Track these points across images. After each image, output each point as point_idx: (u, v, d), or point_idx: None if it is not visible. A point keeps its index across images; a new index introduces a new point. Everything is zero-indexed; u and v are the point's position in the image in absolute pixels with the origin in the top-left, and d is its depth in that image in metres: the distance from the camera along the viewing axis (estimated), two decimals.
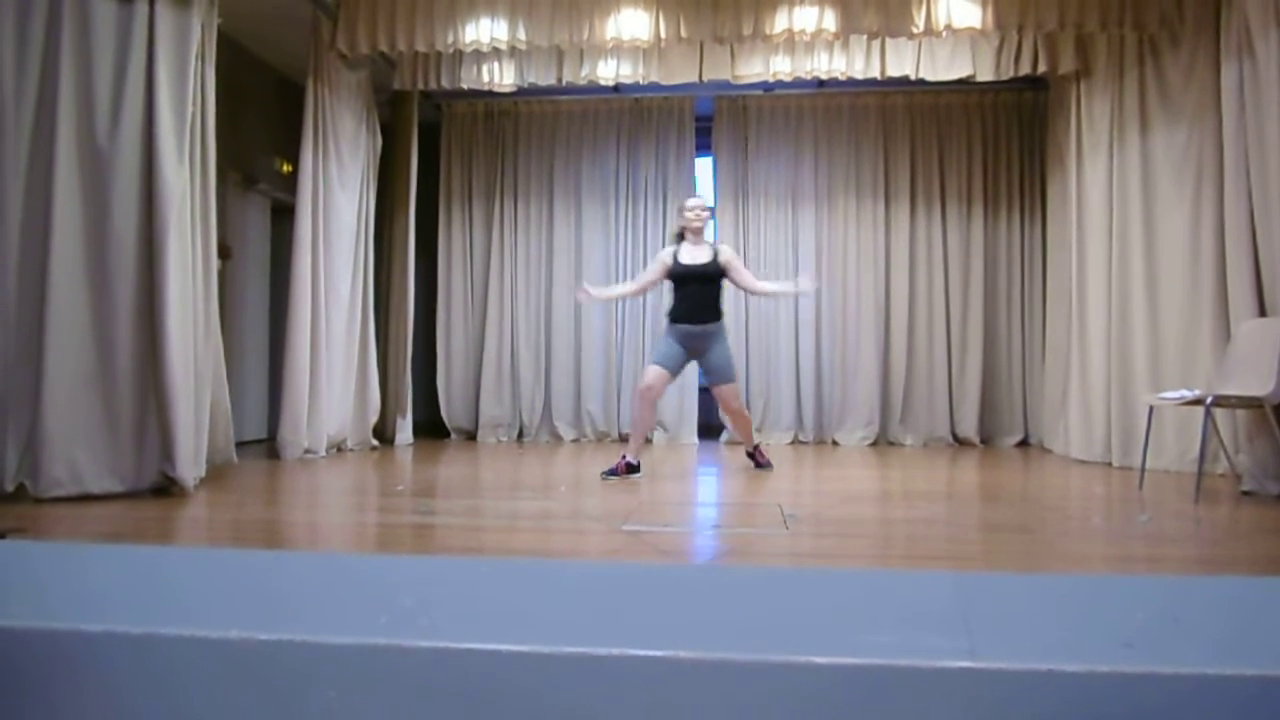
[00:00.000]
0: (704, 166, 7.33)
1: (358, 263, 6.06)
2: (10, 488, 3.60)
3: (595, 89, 6.68)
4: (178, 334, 3.82)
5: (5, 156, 3.65)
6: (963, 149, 6.95)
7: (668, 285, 4.90)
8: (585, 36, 5.24)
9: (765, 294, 5.34)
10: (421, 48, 5.37)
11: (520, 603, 1.97)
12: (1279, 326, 3.87)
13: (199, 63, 4.07)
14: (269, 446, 5.78)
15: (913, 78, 5.83)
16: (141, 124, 3.80)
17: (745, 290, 5.02)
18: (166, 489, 3.81)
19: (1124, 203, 5.27)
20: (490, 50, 5.48)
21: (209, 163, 4.20)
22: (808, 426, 6.89)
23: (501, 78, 6.12)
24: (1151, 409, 4.40)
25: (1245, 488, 4.05)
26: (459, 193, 7.38)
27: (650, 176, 7.22)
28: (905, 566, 2.68)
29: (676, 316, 4.77)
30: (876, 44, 5.71)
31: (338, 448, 5.87)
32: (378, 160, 6.37)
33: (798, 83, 6.16)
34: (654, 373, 4.68)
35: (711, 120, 7.20)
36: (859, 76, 5.85)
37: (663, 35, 5.20)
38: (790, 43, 5.61)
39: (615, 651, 1.56)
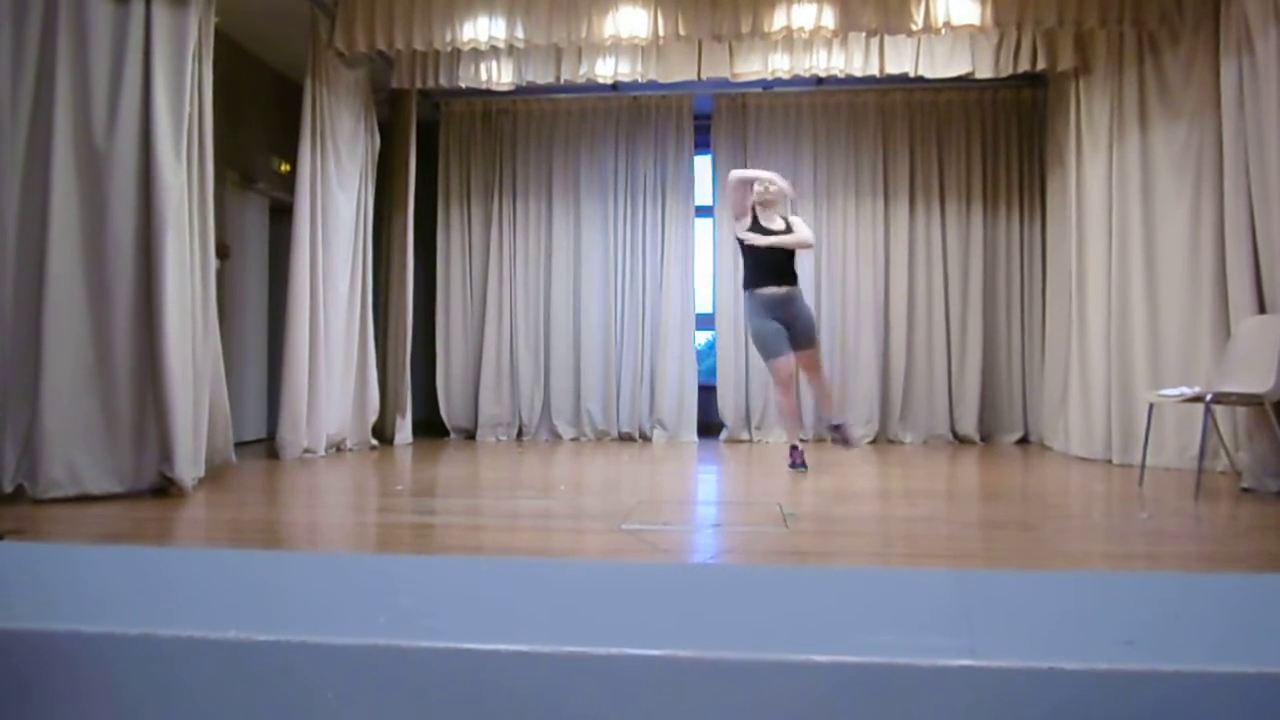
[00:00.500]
0: (703, 165, 7.32)
1: (356, 262, 6.05)
2: (9, 489, 3.59)
3: (594, 87, 6.67)
4: (176, 334, 3.82)
5: (2, 157, 3.64)
6: (962, 146, 6.94)
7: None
8: (583, 35, 5.24)
9: (803, 242, 5.02)
10: (420, 46, 5.36)
11: (519, 602, 1.97)
12: (1279, 324, 3.87)
13: (196, 62, 4.06)
14: (268, 446, 5.77)
15: (912, 75, 5.82)
16: (139, 124, 3.79)
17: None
18: (165, 489, 3.81)
19: (1124, 200, 5.26)
20: (488, 49, 5.47)
21: (207, 162, 4.19)
22: (807, 424, 6.87)
23: (500, 76, 6.11)
24: (1151, 406, 4.40)
25: (1245, 485, 4.05)
26: (457, 191, 7.37)
27: (649, 175, 7.21)
28: (905, 564, 2.67)
29: (761, 281, 4.78)
30: (875, 41, 5.70)
31: (337, 447, 5.86)
32: (376, 159, 6.36)
33: (796, 80, 6.16)
34: (782, 363, 4.72)
35: (710, 118, 7.19)
36: (858, 74, 5.84)
37: (661, 33, 5.19)
38: (789, 40, 5.60)
39: (615, 651, 1.56)
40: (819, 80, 6.44)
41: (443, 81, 6.19)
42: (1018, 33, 5.55)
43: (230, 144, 5.60)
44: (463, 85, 6.21)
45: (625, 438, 7.04)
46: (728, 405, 7.03)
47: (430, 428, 7.24)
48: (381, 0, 5.32)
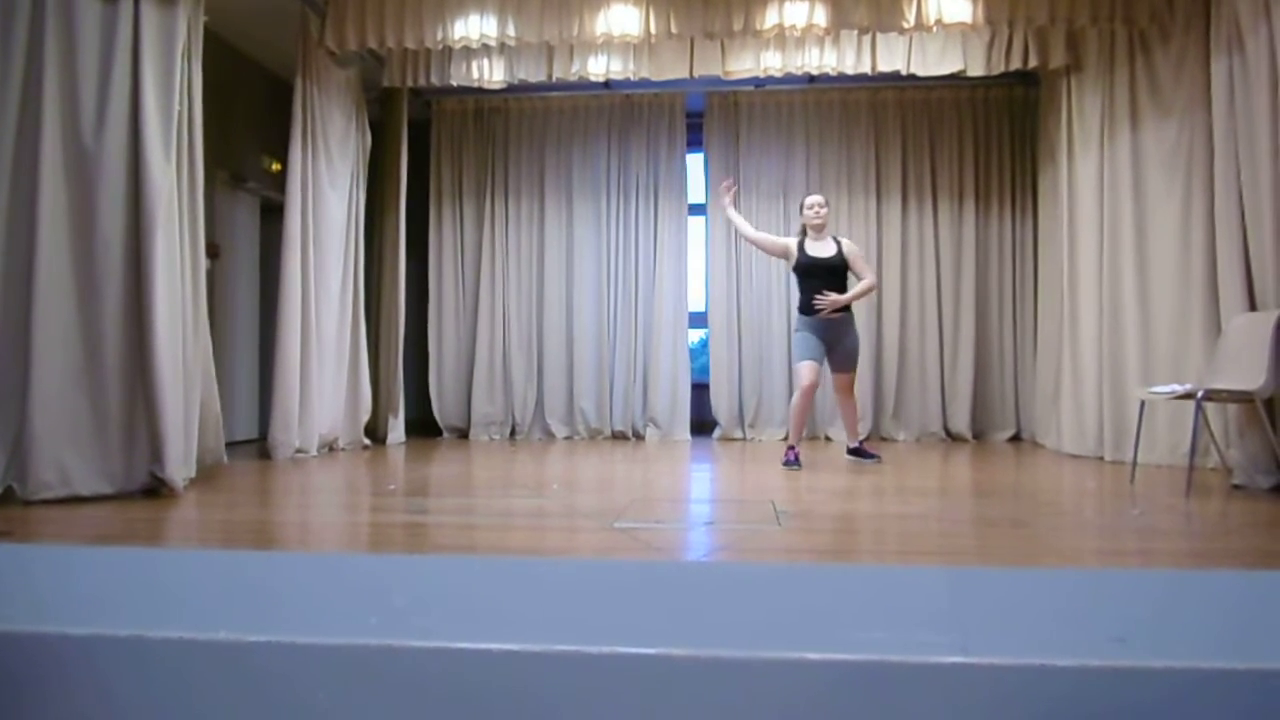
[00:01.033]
0: (695, 162, 7.32)
1: (348, 261, 6.03)
2: None
3: (585, 85, 6.67)
4: (166, 334, 3.80)
5: None
6: (954, 144, 6.95)
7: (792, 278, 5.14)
8: (575, 32, 5.23)
9: (868, 290, 5.15)
10: (411, 44, 5.35)
11: (513, 601, 1.96)
12: (1269, 321, 3.88)
13: (185, 61, 4.04)
14: (260, 446, 5.75)
15: (903, 73, 5.83)
16: (127, 123, 3.77)
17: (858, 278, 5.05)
18: (156, 490, 3.79)
19: (1115, 197, 5.28)
20: (480, 46, 5.46)
21: (196, 161, 4.17)
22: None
23: (491, 74, 6.10)
24: (1143, 403, 4.42)
25: (1236, 481, 4.07)
26: (449, 190, 7.36)
27: (641, 173, 7.21)
28: (898, 562, 2.68)
29: (814, 308, 4.93)
30: (867, 39, 5.71)
31: (329, 447, 5.85)
32: (367, 158, 6.35)
33: (789, 78, 6.16)
34: (809, 367, 4.91)
35: (702, 116, 7.20)
36: (850, 72, 5.85)
37: (653, 31, 5.19)
38: (781, 38, 5.61)
39: (608, 649, 1.55)
40: (811, 78, 6.44)
41: (434, 80, 6.18)
42: (1009, 31, 5.57)
43: (220, 143, 5.58)
44: (454, 83, 6.21)
45: (618, 436, 7.04)
46: (721, 403, 7.03)
47: (423, 427, 7.23)
48: None
